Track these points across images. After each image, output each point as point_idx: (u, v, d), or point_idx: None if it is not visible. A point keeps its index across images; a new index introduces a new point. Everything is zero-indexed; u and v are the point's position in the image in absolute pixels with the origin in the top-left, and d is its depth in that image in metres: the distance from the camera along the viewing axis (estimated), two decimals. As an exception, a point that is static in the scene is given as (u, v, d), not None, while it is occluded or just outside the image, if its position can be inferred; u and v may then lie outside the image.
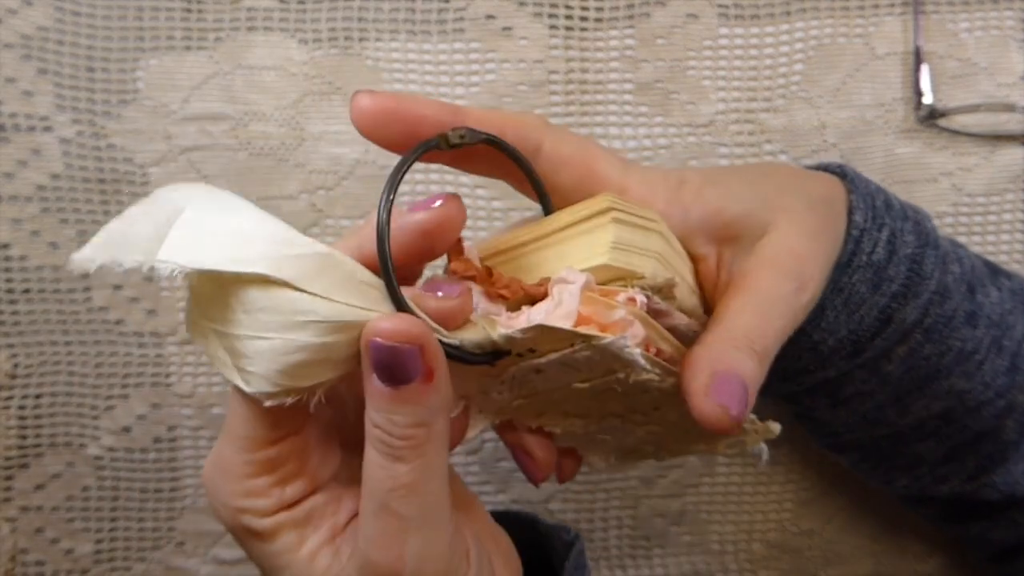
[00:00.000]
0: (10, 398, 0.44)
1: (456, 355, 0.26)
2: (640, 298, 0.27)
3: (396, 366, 0.25)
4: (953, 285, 0.35)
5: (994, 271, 0.38)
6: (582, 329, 0.26)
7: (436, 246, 0.27)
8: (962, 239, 0.44)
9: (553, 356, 0.27)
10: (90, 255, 0.25)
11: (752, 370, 0.29)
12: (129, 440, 0.45)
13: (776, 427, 0.32)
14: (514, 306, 0.28)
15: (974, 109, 0.43)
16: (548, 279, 0.27)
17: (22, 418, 0.44)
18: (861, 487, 0.46)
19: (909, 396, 0.36)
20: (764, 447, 0.33)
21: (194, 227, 0.24)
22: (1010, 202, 0.44)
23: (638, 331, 0.27)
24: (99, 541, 0.45)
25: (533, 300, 0.27)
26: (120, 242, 0.25)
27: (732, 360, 0.28)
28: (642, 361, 0.27)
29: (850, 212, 0.33)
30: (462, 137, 0.27)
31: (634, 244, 0.28)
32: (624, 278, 0.28)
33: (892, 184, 0.44)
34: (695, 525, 0.47)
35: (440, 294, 0.26)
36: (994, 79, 0.43)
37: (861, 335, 0.34)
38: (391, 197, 0.26)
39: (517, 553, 0.32)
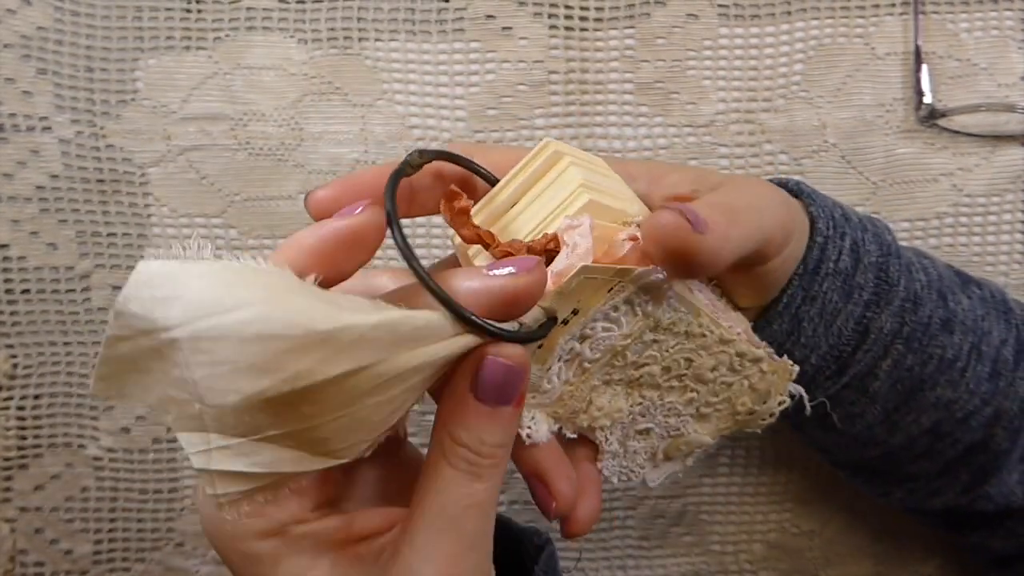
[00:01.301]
0: (9, 398, 0.44)
1: (521, 338, 0.26)
2: (639, 234, 0.28)
3: (507, 386, 0.26)
4: (923, 292, 0.35)
5: (964, 280, 0.38)
6: (617, 264, 0.27)
7: (359, 253, 0.26)
8: (962, 239, 0.44)
9: (596, 309, 0.28)
10: (105, 392, 0.23)
11: (709, 214, 0.28)
12: (128, 441, 0.45)
13: (791, 364, 0.34)
14: None
15: (974, 109, 0.43)
16: (545, 234, 0.28)
17: (21, 419, 0.44)
18: (861, 489, 0.46)
19: (897, 412, 0.36)
20: (797, 388, 0.34)
21: (214, 357, 0.22)
22: (1010, 202, 0.44)
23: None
24: (98, 542, 0.45)
25: (543, 254, 0.27)
26: (131, 373, 0.23)
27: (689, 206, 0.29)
28: (673, 287, 0.28)
29: (812, 222, 0.34)
30: (420, 156, 0.28)
31: (598, 184, 0.29)
32: (615, 221, 0.29)
33: (892, 184, 0.44)
34: (695, 525, 0.47)
35: (511, 269, 0.25)
36: (994, 79, 0.43)
37: (842, 350, 0.34)
38: (396, 213, 0.26)
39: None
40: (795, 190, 0.35)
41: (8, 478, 0.44)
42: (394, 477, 0.30)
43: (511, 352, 0.26)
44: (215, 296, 0.22)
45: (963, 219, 0.44)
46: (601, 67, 0.43)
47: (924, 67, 0.43)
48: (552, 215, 0.28)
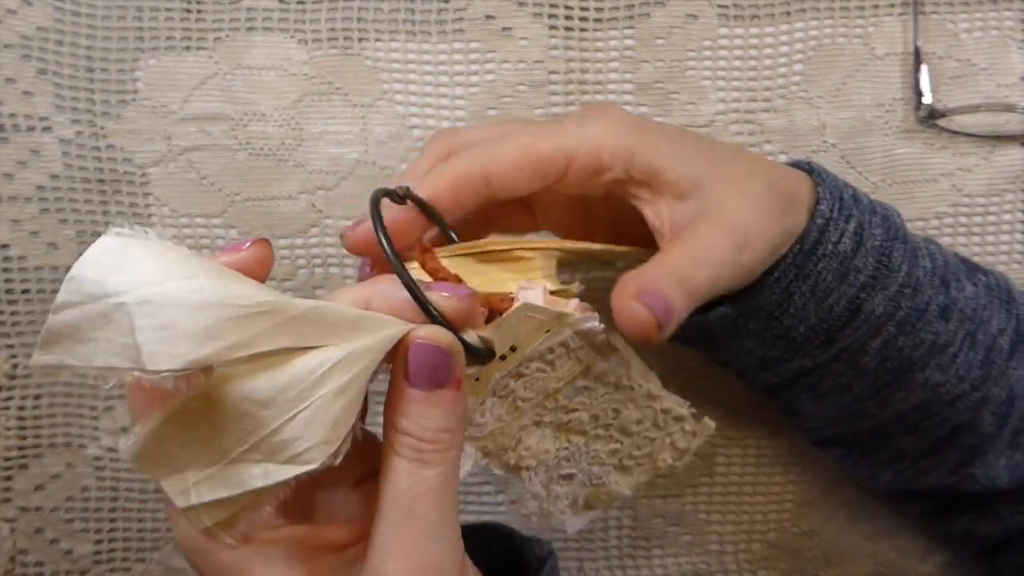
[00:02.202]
0: (10, 398, 0.44)
1: (470, 349, 0.28)
2: (584, 304, 0.31)
3: (437, 368, 0.27)
4: (924, 279, 0.36)
5: (971, 268, 0.39)
6: (558, 307, 0.29)
7: None
8: (962, 239, 0.44)
9: (533, 348, 0.29)
10: (45, 359, 0.24)
11: (677, 298, 0.31)
12: (129, 440, 0.45)
13: (711, 424, 0.35)
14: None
15: (974, 109, 0.43)
16: (507, 294, 0.30)
17: (21, 419, 0.44)
18: (861, 488, 0.46)
19: (887, 388, 0.37)
20: (710, 425, 0.35)
21: (160, 320, 0.23)
22: (1010, 202, 0.44)
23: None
24: (99, 542, 0.45)
25: (492, 312, 0.30)
26: (74, 344, 0.24)
27: (660, 282, 0.31)
28: (605, 334, 0.30)
29: (816, 203, 0.35)
30: (406, 191, 0.31)
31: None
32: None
33: (892, 184, 0.44)
34: (695, 525, 0.47)
35: (445, 294, 0.28)
36: (994, 79, 0.43)
37: (832, 324, 0.35)
38: (383, 230, 0.29)
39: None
40: (806, 168, 0.36)
41: (8, 478, 0.44)
42: (371, 500, 0.29)
43: (436, 334, 0.27)
44: (166, 268, 0.24)
45: (963, 219, 0.44)
46: (601, 67, 0.43)
47: (924, 67, 0.43)
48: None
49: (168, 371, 0.23)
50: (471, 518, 0.46)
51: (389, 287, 0.28)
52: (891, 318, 0.35)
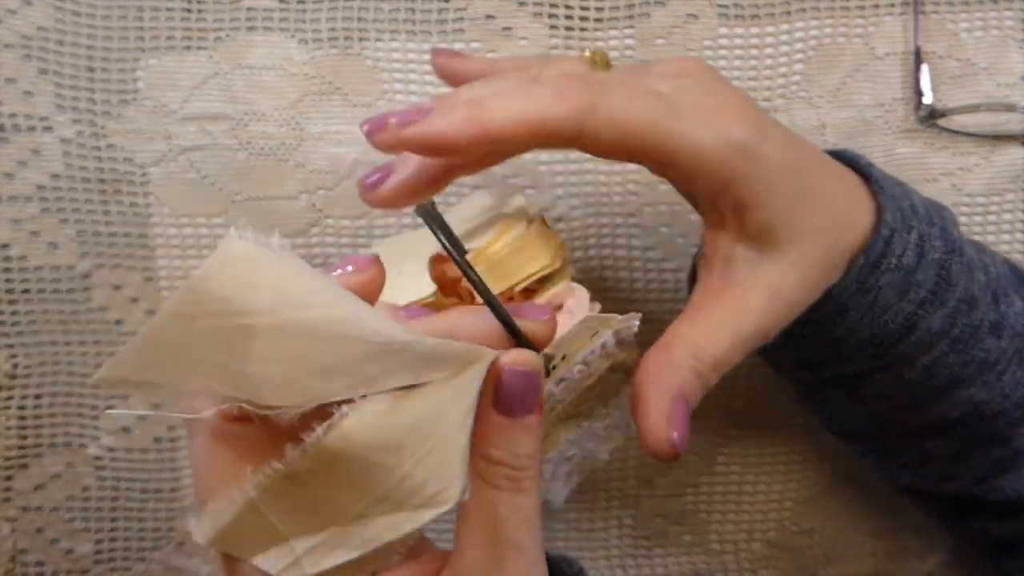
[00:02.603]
0: (10, 398, 0.44)
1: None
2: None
3: (527, 393, 0.26)
4: (979, 294, 0.34)
5: (1021, 278, 0.38)
6: (605, 314, 0.30)
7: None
8: (962, 239, 0.44)
9: (581, 353, 0.30)
10: (124, 375, 0.22)
11: (697, 396, 0.30)
12: (129, 440, 0.45)
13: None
14: None
15: (974, 109, 0.43)
16: (513, 287, 0.31)
17: (22, 418, 0.44)
18: (861, 487, 0.46)
19: (927, 402, 0.36)
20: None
21: (289, 351, 0.21)
22: (1010, 202, 0.44)
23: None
24: (99, 541, 0.45)
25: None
26: (171, 363, 0.22)
27: (691, 388, 0.30)
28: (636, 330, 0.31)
29: (880, 212, 0.33)
30: (431, 205, 0.29)
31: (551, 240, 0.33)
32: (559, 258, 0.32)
33: (892, 184, 0.44)
34: (695, 525, 0.47)
35: (537, 320, 0.27)
36: (994, 79, 0.43)
37: (884, 339, 0.34)
38: (450, 240, 0.27)
39: None
40: (865, 173, 0.34)
41: (8, 478, 0.44)
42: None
43: (526, 359, 0.26)
44: (301, 290, 0.21)
45: (963, 219, 0.44)
46: (601, 67, 0.43)
47: (924, 67, 0.43)
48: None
49: (286, 407, 0.21)
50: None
51: (472, 317, 0.26)
52: (946, 335, 0.34)
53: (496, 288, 0.30)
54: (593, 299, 0.33)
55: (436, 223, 0.27)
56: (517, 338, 0.26)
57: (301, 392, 0.21)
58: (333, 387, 0.21)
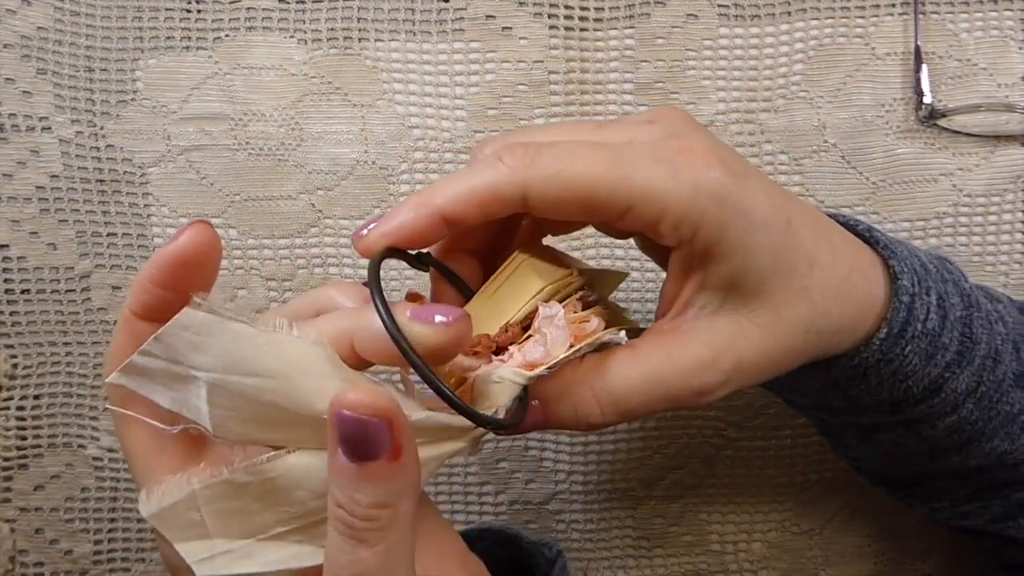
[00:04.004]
0: (9, 399, 0.44)
1: (505, 425, 0.27)
2: (595, 320, 0.30)
3: (363, 440, 0.23)
4: (1002, 347, 0.33)
5: None
6: (589, 337, 0.29)
7: (196, 275, 0.27)
8: (962, 239, 0.44)
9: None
10: (123, 381, 0.26)
11: (566, 426, 0.29)
12: (128, 441, 0.45)
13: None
14: (487, 357, 0.29)
15: (974, 109, 0.43)
16: (506, 324, 0.29)
17: (21, 419, 0.44)
18: (861, 487, 0.46)
19: (945, 453, 0.34)
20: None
21: (227, 403, 0.25)
22: (1010, 202, 0.44)
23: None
24: (98, 542, 0.45)
25: (499, 349, 0.29)
26: (151, 382, 0.26)
27: (564, 415, 0.29)
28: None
29: (895, 278, 0.31)
30: (427, 256, 0.30)
31: (545, 265, 0.31)
32: (559, 283, 0.30)
33: (892, 184, 0.44)
34: (695, 525, 0.47)
35: (439, 318, 0.25)
36: (994, 79, 0.43)
37: (905, 401, 0.32)
38: (379, 288, 0.27)
39: None
40: (867, 237, 0.32)
41: (8, 478, 0.44)
42: None
43: (351, 400, 0.23)
44: (238, 359, 0.24)
45: (963, 219, 0.44)
46: (601, 67, 0.43)
47: (924, 67, 0.43)
48: (513, 299, 0.30)
49: (228, 439, 0.25)
50: (472, 519, 0.46)
51: (374, 321, 0.25)
52: (972, 394, 0.32)
53: (495, 324, 0.29)
54: (608, 324, 0.31)
55: (374, 281, 0.27)
56: (462, 412, 0.25)
57: (236, 435, 0.25)
58: (263, 436, 0.25)
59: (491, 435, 0.30)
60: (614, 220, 0.28)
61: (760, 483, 0.46)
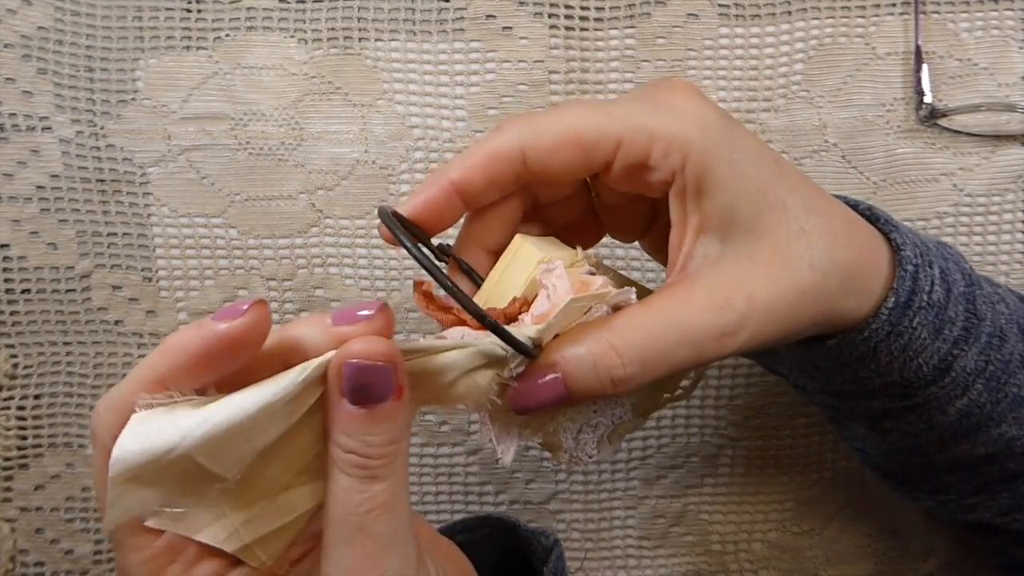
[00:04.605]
0: (10, 398, 0.44)
1: (522, 350, 0.27)
2: (600, 278, 0.30)
3: (374, 385, 0.25)
4: (1007, 327, 0.33)
5: None
6: (597, 290, 0.28)
7: (242, 355, 0.26)
8: (962, 239, 0.44)
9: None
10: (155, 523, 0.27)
11: (592, 390, 0.28)
12: (129, 440, 0.45)
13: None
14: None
15: (975, 109, 0.43)
16: (515, 298, 0.29)
17: (21, 419, 0.44)
18: (861, 487, 0.46)
19: (954, 440, 0.34)
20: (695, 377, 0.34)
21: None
22: (1010, 202, 0.44)
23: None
24: (98, 542, 0.45)
25: (509, 321, 0.29)
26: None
27: (585, 375, 0.28)
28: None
29: (898, 249, 0.31)
30: (448, 248, 0.32)
31: (546, 242, 0.32)
32: (561, 256, 0.30)
33: (893, 184, 0.44)
34: (696, 525, 0.47)
35: (347, 322, 0.27)
36: (994, 79, 0.43)
37: (915, 382, 0.32)
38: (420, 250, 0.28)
39: (470, 561, 0.32)
40: (868, 215, 0.32)
41: (8, 478, 0.44)
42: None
43: (367, 349, 0.25)
44: (175, 430, 0.25)
45: (963, 219, 0.44)
46: (601, 67, 0.43)
47: (924, 67, 0.43)
48: (517, 275, 0.31)
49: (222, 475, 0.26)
50: (471, 518, 0.46)
51: (304, 328, 0.27)
52: (981, 374, 0.32)
53: (504, 303, 0.30)
54: (611, 282, 0.31)
55: (399, 229, 0.28)
56: (511, 344, 0.26)
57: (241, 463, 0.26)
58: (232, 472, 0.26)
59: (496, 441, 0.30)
60: (607, 165, 0.29)
61: (760, 483, 0.46)
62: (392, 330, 0.27)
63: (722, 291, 0.28)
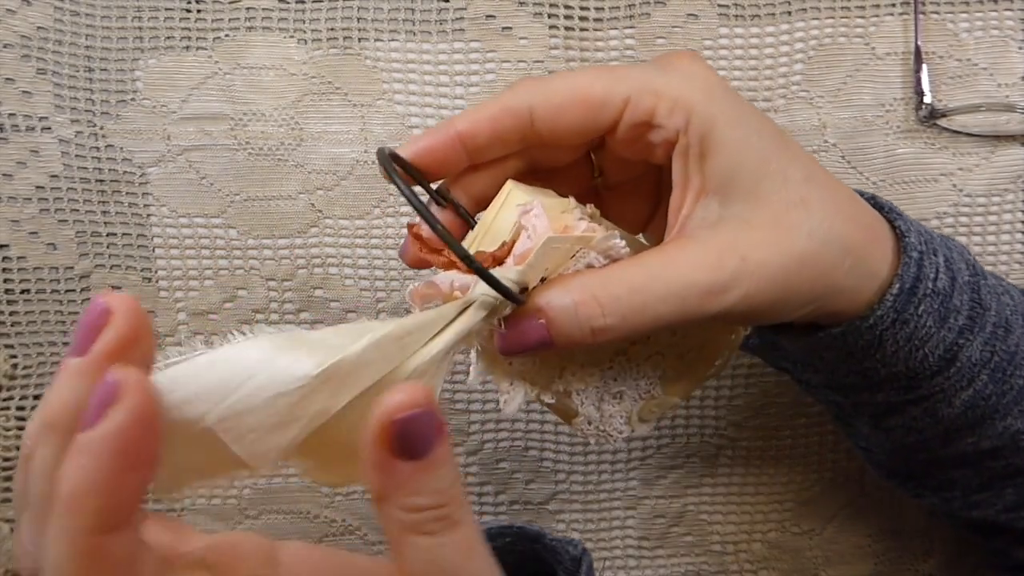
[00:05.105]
0: (9, 398, 0.44)
1: (508, 295, 0.27)
2: (585, 219, 0.30)
3: (421, 435, 0.23)
4: (1012, 318, 0.33)
5: None
6: (580, 233, 0.28)
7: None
8: (962, 239, 0.44)
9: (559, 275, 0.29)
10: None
11: (572, 337, 0.28)
12: (128, 441, 0.45)
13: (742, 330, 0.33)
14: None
15: (974, 109, 0.43)
16: (504, 242, 0.29)
17: (21, 419, 0.44)
18: (861, 487, 0.46)
19: (959, 434, 0.34)
20: (728, 355, 0.34)
21: (240, 430, 0.24)
22: (1010, 202, 0.44)
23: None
24: (98, 542, 0.45)
25: (498, 263, 0.29)
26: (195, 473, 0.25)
27: (567, 322, 0.27)
28: (629, 251, 0.29)
29: (903, 235, 0.31)
30: (447, 192, 0.32)
31: (536, 189, 0.31)
32: (551, 202, 0.30)
33: (892, 184, 0.44)
34: (695, 525, 0.47)
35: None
36: (994, 79, 0.43)
37: (921, 373, 0.32)
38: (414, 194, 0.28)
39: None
40: (872, 203, 0.32)
41: (8, 478, 0.44)
42: None
43: (407, 400, 0.23)
44: (223, 380, 0.24)
45: (963, 219, 0.44)
46: (601, 67, 0.43)
47: (924, 67, 0.43)
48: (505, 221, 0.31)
49: (270, 462, 0.25)
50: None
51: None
52: (986, 365, 0.32)
53: (494, 247, 0.30)
54: (597, 227, 0.30)
55: (397, 174, 0.28)
56: (496, 289, 0.26)
57: (272, 450, 0.25)
58: (291, 434, 0.25)
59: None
60: (614, 125, 0.30)
61: (760, 483, 0.46)
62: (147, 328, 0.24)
63: (715, 250, 0.28)
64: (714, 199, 0.29)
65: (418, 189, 0.31)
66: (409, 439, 0.23)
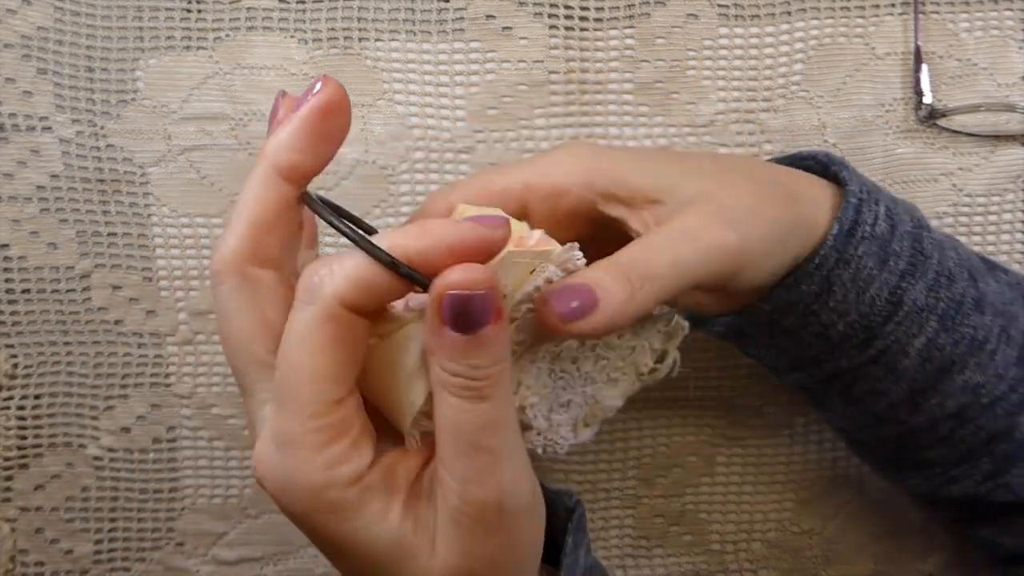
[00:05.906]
0: (10, 398, 0.44)
1: (401, 267, 0.27)
2: (539, 232, 0.30)
3: (475, 312, 0.25)
4: (955, 269, 0.35)
5: (991, 266, 0.38)
6: (535, 244, 0.29)
7: (337, 127, 0.28)
8: (962, 239, 0.44)
9: (522, 292, 0.29)
10: None
11: (614, 289, 0.29)
12: (128, 440, 0.45)
13: (684, 323, 0.33)
14: None
15: (974, 109, 0.43)
16: None
17: (21, 418, 0.44)
18: (861, 487, 0.46)
19: (923, 394, 0.35)
20: (675, 358, 0.34)
21: None
22: (1010, 202, 0.44)
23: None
24: (99, 542, 0.45)
25: None
26: None
27: (596, 277, 0.29)
28: (586, 263, 0.30)
29: (844, 183, 0.34)
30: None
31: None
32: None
33: (892, 184, 0.44)
34: (695, 525, 0.47)
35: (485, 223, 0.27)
36: (994, 79, 0.43)
37: (872, 320, 0.34)
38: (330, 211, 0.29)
39: None
40: (824, 160, 0.36)
41: (8, 478, 0.44)
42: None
43: (469, 279, 0.25)
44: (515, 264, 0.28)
45: (963, 219, 0.44)
46: (601, 67, 0.43)
47: (924, 67, 0.43)
48: None
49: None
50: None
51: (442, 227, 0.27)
52: (933, 311, 0.34)
53: None
54: (551, 240, 0.31)
55: (321, 207, 0.29)
56: (376, 258, 0.26)
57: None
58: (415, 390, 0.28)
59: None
60: (528, 208, 0.33)
61: (759, 483, 0.46)
62: (506, 243, 0.27)
63: (694, 219, 0.31)
64: (663, 204, 0.32)
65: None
66: (458, 315, 0.25)
